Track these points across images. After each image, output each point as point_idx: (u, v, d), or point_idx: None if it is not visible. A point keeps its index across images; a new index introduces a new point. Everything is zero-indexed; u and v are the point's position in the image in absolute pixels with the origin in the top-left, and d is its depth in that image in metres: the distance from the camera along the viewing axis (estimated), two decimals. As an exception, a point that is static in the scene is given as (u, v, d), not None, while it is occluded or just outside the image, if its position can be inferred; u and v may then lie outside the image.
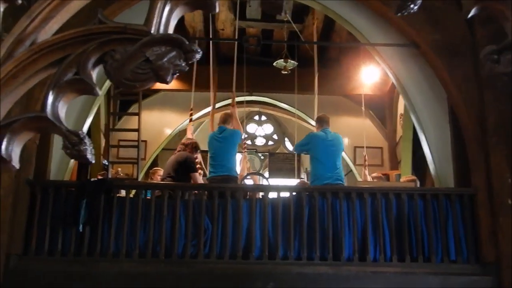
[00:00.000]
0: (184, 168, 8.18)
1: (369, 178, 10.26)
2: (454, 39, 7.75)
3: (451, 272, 7.10)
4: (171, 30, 1.86)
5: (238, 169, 8.98)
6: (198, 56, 1.82)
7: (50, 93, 1.74)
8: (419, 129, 8.45)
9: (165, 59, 1.76)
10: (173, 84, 13.35)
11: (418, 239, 7.22)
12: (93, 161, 1.90)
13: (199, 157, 9.03)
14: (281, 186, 8.71)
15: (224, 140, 8.18)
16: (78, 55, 1.80)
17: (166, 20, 1.81)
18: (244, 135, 9.38)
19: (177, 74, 1.84)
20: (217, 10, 2.01)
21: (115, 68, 1.78)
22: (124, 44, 1.79)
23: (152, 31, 1.79)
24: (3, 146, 1.73)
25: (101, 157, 12.49)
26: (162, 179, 8.51)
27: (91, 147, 1.81)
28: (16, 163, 1.84)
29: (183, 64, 1.80)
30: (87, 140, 1.78)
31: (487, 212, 7.14)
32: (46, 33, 1.85)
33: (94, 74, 1.85)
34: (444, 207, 7.36)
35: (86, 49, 1.79)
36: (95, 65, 1.83)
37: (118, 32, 1.82)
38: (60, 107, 1.79)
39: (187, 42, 1.78)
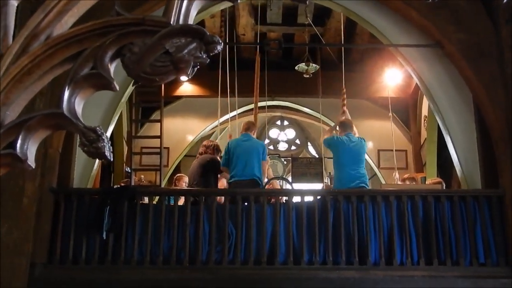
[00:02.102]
0: (211, 169, 8.18)
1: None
2: (479, 38, 7.64)
3: (480, 275, 6.97)
4: (191, 21, 1.80)
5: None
6: (219, 47, 1.75)
7: (66, 88, 1.68)
8: (445, 131, 8.32)
9: (185, 51, 1.69)
10: (195, 90, 13.38)
11: (446, 242, 7.11)
12: (111, 159, 1.84)
13: None
14: (305, 190, 8.64)
15: (250, 146, 8.11)
16: (95, 48, 1.74)
17: (186, 10, 1.74)
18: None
19: (198, 67, 1.77)
20: (238, 1, 1.94)
21: (133, 61, 1.71)
22: (142, 37, 1.73)
23: (171, 22, 1.73)
24: (18, 145, 1.68)
25: (124, 164, 12.52)
26: (189, 187, 8.49)
27: (109, 144, 1.75)
28: (32, 162, 1.79)
29: (204, 56, 1.73)
30: (104, 137, 1.72)
31: (517, 214, 7.00)
32: (62, 27, 1.79)
33: (112, 68, 1.79)
34: (472, 209, 7.24)
35: (103, 42, 1.74)
36: (112, 58, 1.77)
37: (136, 24, 1.76)
38: (77, 103, 1.73)
39: (208, 33, 1.72)
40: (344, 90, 9.37)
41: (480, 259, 7.07)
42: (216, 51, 1.75)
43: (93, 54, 1.74)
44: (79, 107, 1.75)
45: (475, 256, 7.06)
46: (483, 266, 7.05)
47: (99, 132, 1.69)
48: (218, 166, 8.38)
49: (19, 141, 1.66)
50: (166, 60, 1.72)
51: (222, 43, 1.75)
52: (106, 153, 1.73)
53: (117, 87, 1.76)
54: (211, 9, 8.69)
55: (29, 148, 1.71)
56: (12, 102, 1.68)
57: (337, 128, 8.80)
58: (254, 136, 8.59)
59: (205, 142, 9.10)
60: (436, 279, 6.92)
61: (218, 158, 8.73)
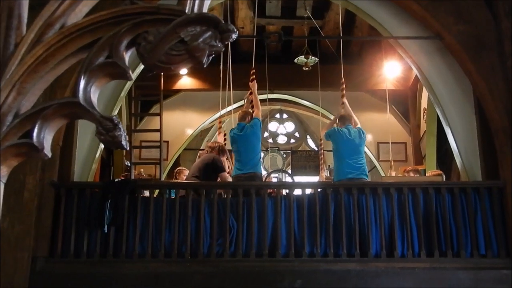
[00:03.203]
0: (211, 168, 8.19)
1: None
2: (479, 30, 7.63)
3: (481, 266, 6.98)
4: (205, 9, 1.79)
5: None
6: (234, 36, 1.75)
7: (82, 77, 1.68)
8: (445, 123, 8.32)
9: (201, 39, 1.69)
10: (194, 84, 13.36)
11: (447, 234, 7.12)
12: (127, 148, 1.84)
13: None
14: (306, 182, 8.65)
15: (246, 136, 8.10)
16: (110, 37, 1.73)
17: (201, -1, 1.74)
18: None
19: (213, 55, 1.77)
20: None
21: (148, 50, 1.71)
22: (157, 25, 1.72)
23: (186, 11, 1.72)
24: (35, 134, 1.68)
25: (124, 158, 12.52)
26: (187, 179, 8.50)
27: (125, 133, 1.75)
28: (48, 151, 1.78)
29: (219, 45, 1.72)
30: (121, 126, 1.72)
31: (517, 205, 7.02)
32: (76, 16, 1.79)
33: (127, 57, 1.78)
34: (473, 201, 7.26)
35: (118, 31, 1.73)
36: (127, 47, 1.77)
37: (151, 13, 1.75)
38: (92, 92, 1.73)
39: (223, 22, 1.71)
40: (343, 81, 9.35)
41: (481, 251, 7.08)
42: (231, 40, 1.75)
43: (108, 43, 1.74)
44: (94, 96, 1.75)
45: (476, 248, 7.07)
46: (483, 257, 7.06)
47: (116, 121, 1.69)
48: (220, 165, 8.36)
49: (35, 131, 1.66)
50: (181, 49, 1.72)
51: (237, 32, 1.74)
52: (122, 142, 1.72)
53: (132, 76, 1.76)
54: (211, 2, 8.67)
55: (45, 137, 1.71)
56: (27, 91, 1.68)
57: (337, 121, 8.81)
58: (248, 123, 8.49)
59: (210, 144, 9.13)
60: (437, 271, 6.94)
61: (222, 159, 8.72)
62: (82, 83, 1.70)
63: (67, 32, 1.74)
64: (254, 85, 8.84)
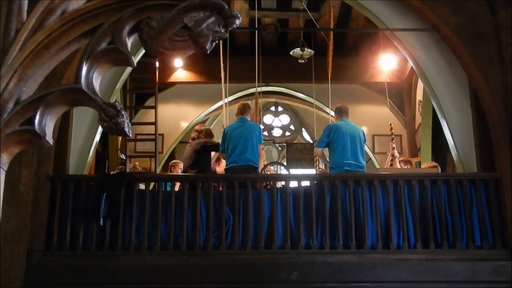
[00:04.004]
0: (203, 152, 8.17)
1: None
2: (476, 22, 7.62)
3: (477, 257, 6.99)
4: (208, -5, 1.77)
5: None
6: (238, 22, 1.73)
7: (84, 63, 1.66)
8: (440, 115, 8.32)
9: (204, 25, 1.67)
10: (189, 77, 13.34)
11: (443, 226, 7.13)
12: (130, 135, 1.82)
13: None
14: (302, 175, 8.64)
15: (246, 131, 8.04)
16: (113, 23, 1.71)
17: (205, -16, 1.71)
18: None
19: (217, 41, 1.75)
20: None
21: (151, 36, 1.69)
22: (160, 11, 1.70)
23: (189, -4, 1.70)
24: (37, 121, 1.66)
25: (119, 151, 12.49)
26: (183, 172, 8.48)
27: (128, 120, 1.73)
28: (50, 138, 1.76)
29: (222, 31, 1.71)
30: (124, 113, 1.70)
31: (513, 196, 7.03)
32: (78, 1, 1.76)
33: (130, 43, 1.76)
34: (468, 193, 7.26)
35: (120, 16, 1.70)
36: (130, 33, 1.74)
37: (154, -2, 1.73)
38: (95, 78, 1.71)
39: (227, 7, 1.70)
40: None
41: (476, 242, 7.09)
42: (234, 26, 1.73)
43: (111, 28, 1.72)
44: (96, 83, 1.73)
45: (472, 239, 7.09)
46: (479, 249, 7.07)
47: (118, 108, 1.67)
48: (210, 148, 8.37)
49: (37, 117, 1.64)
50: (185, 34, 1.70)
51: (241, 18, 1.73)
52: (125, 129, 1.71)
53: (135, 63, 1.74)
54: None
55: (47, 124, 1.69)
56: (29, 77, 1.66)
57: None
58: (249, 119, 8.49)
59: (197, 127, 9.06)
60: (433, 262, 6.94)
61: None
62: (84, 69, 1.68)
63: (69, 18, 1.72)
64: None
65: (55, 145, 7.38)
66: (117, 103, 1.70)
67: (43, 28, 1.69)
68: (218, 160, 9.04)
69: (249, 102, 8.89)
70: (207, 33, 1.68)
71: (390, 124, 10.10)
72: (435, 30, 7.94)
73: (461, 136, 8.05)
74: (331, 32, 11.26)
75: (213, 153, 8.90)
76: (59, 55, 1.74)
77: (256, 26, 10.75)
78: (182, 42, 1.70)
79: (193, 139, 8.69)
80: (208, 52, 1.75)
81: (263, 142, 8.78)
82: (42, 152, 7.11)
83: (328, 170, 8.54)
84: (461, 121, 8.05)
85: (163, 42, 1.69)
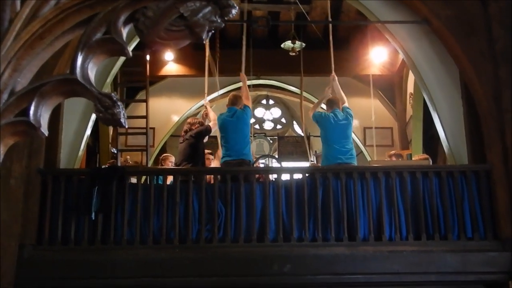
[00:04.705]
0: (199, 143, 8.16)
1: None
2: (467, 15, 7.63)
3: (468, 249, 7.04)
4: (205, -16, 1.75)
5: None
6: (234, 11, 1.71)
7: (79, 54, 1.64)
8: (432, 107, 8.34)
9: (200, 14, 1.66)
10: (180, 70, 13.29)
11: (434, 217, 7.16)
12: (126, 126, 1.81)
13: None
14: (294, 167, 8.64)
15: (237, 121, 8.04)
16: (108, 13, 1.69)
17: (201, -27, 1.70)
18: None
19: (213, 31, 1.74)
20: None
21: (147, 26, 1.67)
22: (156, 0, 1.69)
23: (186, -14, 1.69)
24: (31, 111, 1.64)
25: (110, 145, 12.45)
26: (177, 166, 8.45)
27: (124, 111, 1.72)
28: (45, 129, 1.75)
29: (219, 20, 1.69)
30: (120, 103, 1.69)
31: (504, 188, 7.06)
32: (73, -10, 1.75)
33: (125, 33, 1.75)
34: (460, 184, 7.29)
35: (116, 6, 1.69)
36: (126, 23, 1.72)
37: (150, -13, 1.71)
38: (90, 68, 1.69)
39: (223, -4, 1.68)
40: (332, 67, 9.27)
41: (468, 234, 7.13)
42: (231, 15, 1.72)
43: (106, 18, 1.70)
44: (92, 73, 1.72)
45: (463, 231, 7.12)
46: (471, 240, 7.11)
47: (114, 98, 1.66)
48: (204, 133, 8.36)
49: (32, 108, 1.63)
50: (181, 24, 1.68)
51: (237, 8, 1.71)
52: (121, 119, 1.70)
53: (130, 53, 1.72)
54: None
55: (42, 115, 1.68)
56: (23, 68, 1.64)
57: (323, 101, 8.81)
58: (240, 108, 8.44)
59: (189, 119, 9.02)
60: (424, 254, 6.98)
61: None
62: (79, 60, 1.66)
63: (64, 7, 1.70)
64: (244, 78, 8.80)
65: (46, 139, 7.34)
66: (113, 94, 1.69)
67: (38, 18, 1.67)
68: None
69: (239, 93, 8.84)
70: (203, 23, 1.66)
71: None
72: (426, 22, 7.96)
73: (452, 128, 8.07)
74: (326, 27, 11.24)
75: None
76: (54, 45, 1.72)
77: (247, 19, 10.71)
78: (178, 32, 1.68)
79: (186, 131, 8.66)
80: (204, 42, 1.74)
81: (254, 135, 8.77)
82: (33, 146, 7.08)
83: (320, 164, 8.56)
84: (452, 113, 8.07)
85: (159, 32, 1.67)
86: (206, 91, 9.83)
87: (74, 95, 1.73)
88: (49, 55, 1.74)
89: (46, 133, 1.77)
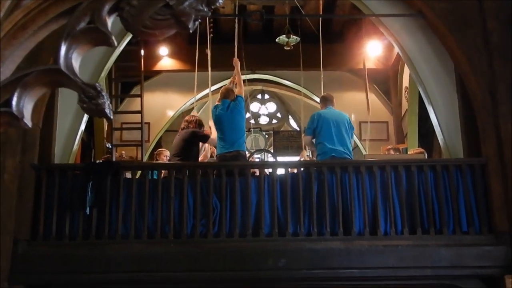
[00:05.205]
0: (192, 143, 8.14)
1: None
2: (461, 7, 7.61)
3: (464, 243, 7.03)
4: (190, -26, 1.72)
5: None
6: (221, 0, 1.68)
7: (63, 43, 1.61)
8: (427, 101, 8.33)
9: (186, 3, 1.62)
10: (175, 65, 13.26)
11: (429, 211, 7.14)
12: (112, 117, 1.78)
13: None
14: (289, 162, 8.63)
15: (231, 114, 8.02)
16: (92, 1, 1.66)
17: (187, -39, 1.67)
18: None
19: (199, 21, 1.71)
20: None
21: (132, 15, 1.64)
22: (141, -12, 1.66)
23: (172, -27, 1.66)
24: (14, 102, 1.61)
25: (105, 140, 12.43)
26: (169, 160, 8.43)
27: (109, 101, 1.69)
28: (28, 120, 1.72)
29: (205, 9, 1.66)
30: (104, 94, 1.66)
31: (499, 181, 7.05)
32: (56, -22, 1.72)
33: (110, 22, 1.71)
34: (455, 178, 7.28)
35: (100, -5, 1.67)
36: (110, 12, 1.69)
37: (134, -24, 1.68)
38: (74, 58, 1.66)
39: (210, -16, 1.65)
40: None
41: (463, 228, 7.11)
42: (218, 4, 1.69)
43: (90, 7, 1.67)
44: (76, 63, 1.69)
45: (458, 225, 7.10)
46: (466, 234, 7.09)
47: (99, 88, 1.63)
48: (201, 136, 8.34)
49: (14, 99, 1.60)
50: (167, 13, 1.65)
51: (223, -3, 1.69)
52: (106, 110, 1.67)
53: (116, 42, 1.70)
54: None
55: (25, 106, 1.65)
56: (5, 58, 1.61)
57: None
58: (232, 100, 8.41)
59: (187, 117, 9.00)
60: (419, 248, 6.96)
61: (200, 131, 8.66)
62: (63, 50, 1.63)
63: (47, -4, 1.67)
64: (237, 63, 8.76)
65: (40, 134, 7.32)
66: (97, 84, 1.66)
67: (20, 7, 1.64)
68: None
69: (231, 85, 8.81)
70: (189, 12, 1.63)
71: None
72: (420, 15, 7.93)
73: (447, 121, 8.06)
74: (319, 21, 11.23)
75: (205, 145, 8.90)
76: (37, 35, 1.69)
77: (241, 13, 10.68)
78: (164, 21, 1.65)
79: (183, 129, 8.65)
80: (191, 31, 1.71)
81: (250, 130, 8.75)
82: (26, 141, 7.05)
83: (315, 159, 8.54)
84: (447, 106, 8.06)
85: (144, 21, 1.64)
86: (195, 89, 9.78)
87: (58, 86, 1.70)
88: (32, 45, 1.71)
89: (29, 124, 1.74)
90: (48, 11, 1.67)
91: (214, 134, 8.24)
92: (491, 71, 7.27)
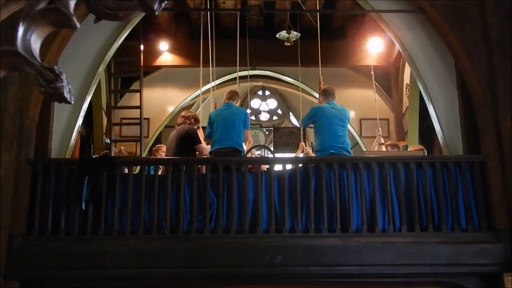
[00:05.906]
0: (188, 141, 8.08)
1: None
2: (462, 3, 7.56)
3: (462, 240, 6.97)
4: (157, -48, 1.66)
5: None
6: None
7: (21, 24, 1.55)
8: (427, 98, 8.27)
9: (151, -17, 1.57)
10: (175, 60, 13.22)
11: (428, 208, 7.09)
12: (72, 101, 1.72)
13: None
14: (286, 158, 8.58)
15: (232, 115, 8.01)
16: (54, -20, 1.60)
17: None
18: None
19: (165, 2, 1.65)
20: None
21: (95, -5, 1.59)
22: (104, -32, 1.60)
23: (135, -49, 1.60)
24: (-34, 85, 1.56)
25: (104, 135, 12.40)
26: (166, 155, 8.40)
27: (69, 86, 1.62)
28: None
29: (170, -10, 1.62)
30: (64, 77, 1.60)
31: (498, 179, 7.00)
32: (14, -44, 1.66)
33: (72, 3, 1.65)
34: (454, 175, 7.22)
35: (62, -26, 1.60)
36: (72, -8, 1.64)
37: (97, -46, 1.62)
38: (33, 40, 1.59)
39: (175, -35, 1.60)
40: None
41: (461, 225, 7.06)
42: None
43: (51, -14, 1.61)
44: (36, 45, 1.62)
45: (457, 222, 7.05)
46: (464, 231, 7.04)
47: (57, 71, 1.57)
48: (195, 137, 8.29)
49: (-32, 84, 1.55)
50: (130, -6, 1.59)
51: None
52: (65, 94, 1.60)
53: (77, 24, 1.63)
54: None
55: (-22, 90, 1.60)
56: (-38, 42, 1.56)
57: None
58: (237, 105, 8.47)
59: (183, 113, 8.97)
60: (418, 245, 6.91)
61: (196, 128, 8.63)
62: (20, 31, 1.57)
63: (5, -25, 1.61)
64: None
65: (37, 128, 7.28)
66: (56, 67, 1.60)
67: (-24, -14, 1.59)
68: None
69: (236, 87, 8.83)
70: (153, -8, 1.57)
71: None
72: (420, 11, 7.87)
73: (447, 118, 8.01)
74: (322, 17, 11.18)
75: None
76: (-5, 16, 1.63)
77: (241, 8, 10.63)
78: (127, 2, 1.59)
79: (179, 124, 8.62)
80: (156, 13, 1.66)
81: (250, 127, 8.71)
82: (22, 135, 7.01)
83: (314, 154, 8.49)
84: (447, 103, 8.01)
85: (108, 2, 1.58)
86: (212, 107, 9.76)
87: (15, 69, 1.64)
88: (-10, 28, 1.65)
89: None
90: (7, -9, 1.61)
91: (206, 148, 8.22)
92: (490, 67, 7.22)
